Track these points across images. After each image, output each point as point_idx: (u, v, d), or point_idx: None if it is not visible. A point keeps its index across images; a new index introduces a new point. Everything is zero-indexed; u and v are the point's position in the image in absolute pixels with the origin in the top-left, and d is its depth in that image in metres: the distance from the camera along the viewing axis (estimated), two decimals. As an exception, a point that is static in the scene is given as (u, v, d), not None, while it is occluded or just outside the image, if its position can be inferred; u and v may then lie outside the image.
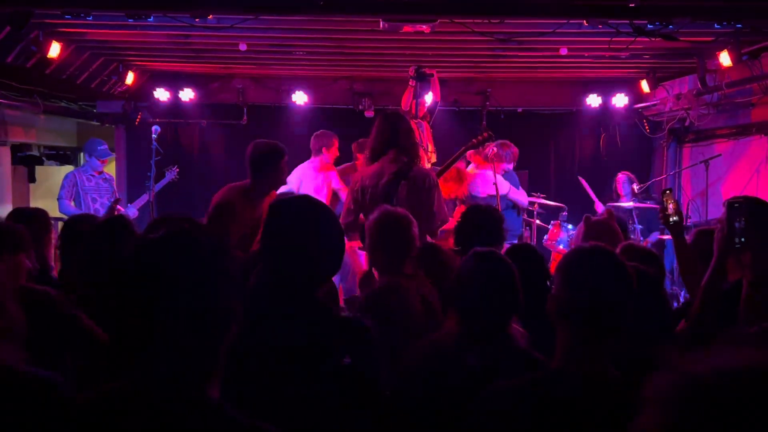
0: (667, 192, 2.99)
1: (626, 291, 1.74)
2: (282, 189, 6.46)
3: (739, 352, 0.68)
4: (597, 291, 1.71)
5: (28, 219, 3.07)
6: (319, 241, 1.89)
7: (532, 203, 7.08)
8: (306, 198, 2.02)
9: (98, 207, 6.58)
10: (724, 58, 5.86)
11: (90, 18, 4.91)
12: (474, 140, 5.42)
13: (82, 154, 9.83)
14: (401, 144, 4.25)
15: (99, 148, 6.67)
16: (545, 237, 7.01)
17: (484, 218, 3.42)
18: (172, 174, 7.20)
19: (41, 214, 3.25)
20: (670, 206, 2.91)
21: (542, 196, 7.18)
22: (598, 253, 1.80)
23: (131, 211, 6.73)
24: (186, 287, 1.29)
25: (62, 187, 6.61)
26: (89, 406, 1.34)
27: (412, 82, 5.97)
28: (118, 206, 6.52)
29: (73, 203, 6.56)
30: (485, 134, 5.39)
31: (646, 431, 0.68)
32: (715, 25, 4.94)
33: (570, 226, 6.81)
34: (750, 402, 0.63)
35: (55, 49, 5.85)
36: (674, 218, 2.89)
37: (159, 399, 1.29)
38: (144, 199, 6.82)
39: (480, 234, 3.28)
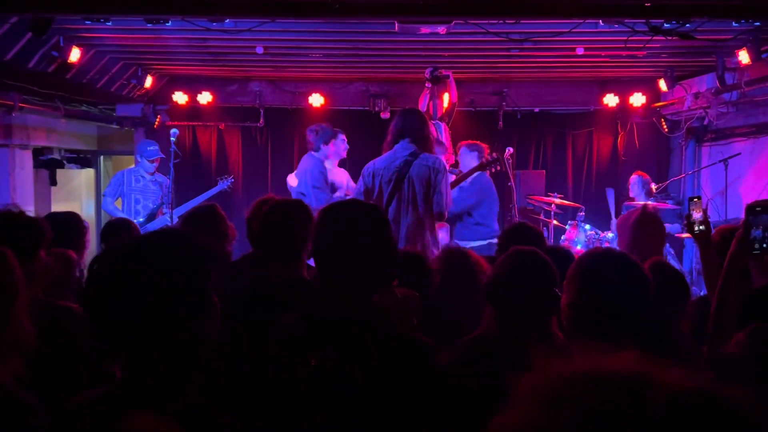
0: (695, 200, 2.82)
1: (645, 295, 1.70)
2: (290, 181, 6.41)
3: (605, 356, 0.67)
4: (617, 297, 1.66)
5: (62, 223, 3.06)
6: (371, 247, 1.80)
7: (549, 204, 7.05)
8: (356, 203, 1.97)
9: (140, 209, 6.52)
10: (743, 56, 5.80)
11: (109, 23, 4.99)
12: (483, 160, 5.71)
13: (102, 158, 9.96)
14: (413, 135, 4.47)
15: (148, 149, 6.59)
16: (563, 237, 6.98)
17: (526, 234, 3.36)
18: (224, 184, 7.00)
19: (75, 218, 3.21)
20: (696, 214, 2.73)
21: (559, 196, 7.16)
22: (614, 258, 1.75)
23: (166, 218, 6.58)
24: (144, 297, 1.29)
25: (109, 185, 6.69)
26: (74, 412, 1.36)
27: (428, 85, 6.00)
28: (162, 210, 6.53)
29: (117, 202, 6.56)
30: (494, 155, 5.76)
31: (506, 428, 0.67)
32: (733, 23, 4.90)
33: (588, 227, 6.78)
34: (598, 407, 0.62)
35: (75, 54, 5.93)
36: (700, 227, 2.71)
37: (140, 404, 1.31)
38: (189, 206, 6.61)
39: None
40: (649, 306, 1.70)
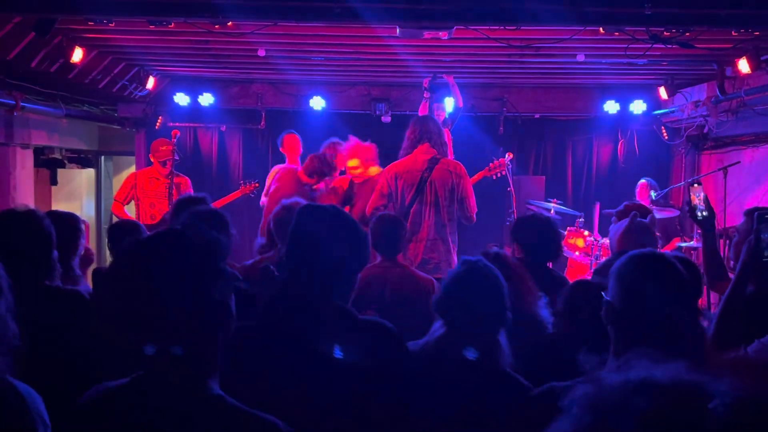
0: (695, 185, 2.78)
1: (681, 297, 1.75)
2: None
3: (657, 365, 0.68)
4: (654, 297, 1.71)
5: (56, 222, 3.06)
6: (337, 246, 1.91)
7: (548, 209, 7.06)
8: (328, 207, 2.05)
9: (155, 213, 6.30)
10: (743, 65, 5.82)
11: (112, 24, 5.01)
12: (491, 164, 5.84)
13: (103, 158, 9.98)
14: (433, 140, 4.67)
15: (161, 148, 6.41)
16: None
17: (542, 228, 3.42)
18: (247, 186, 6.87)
19: (71, 219, 3.22)
20: (697, 199, 2.70)
21: (558, 202, 7.17)
22: (655, 259, 1.80)
23: None
24: (176, 286, 1.33)
25: (120, 188, 6.48)
26: (96, 402, 1.39)
27: (426, 95, 6.04)
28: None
29: (131, 207, 6.40)
30: (501, 160, 5.88)
31: None
32: (733, 32, 4.92)
33: (585, 233, 6.79)
34: (654, 416, 0.63)
35: (77, 55, 5.95)
36: (704, 213, 2.70)
37: (162, 394, 1.34)
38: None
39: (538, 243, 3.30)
40: (684, 305, 1.76)
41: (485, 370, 2.00)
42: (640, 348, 1.68)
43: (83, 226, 3.15)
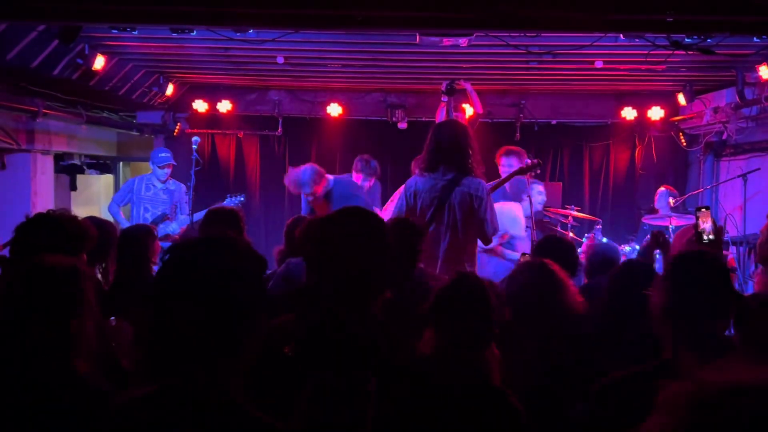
0: (703, 210, 2.87)
1: (727, 296, 1.89)
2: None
3: (754, 369, 0.70)
4: (701, 296, 1.84)
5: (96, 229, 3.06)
6: (369, 254, 1.86)
7: (566, 216, 7.02)
8: (356, 209, 1.97)
9: (148, 217, 6.56)
10: (764, 71, 5.80)
11: (135, 32, 5.06)
12: (523, 166, 5.52)
13: (121, 164, 10.06)
14: (456, 158, 4.29)
15: (159, 155, 6.67)
16: (579, 250, 6.96)
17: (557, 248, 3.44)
18: (233, 201, 6.66)
19: (109, 227, 3.19)
20: (705, 224, 2.80)
21: (576, 209, 7.14)
22: (705, 260, 1.94)
23: (172, 227, 6.56)
24: (212, 292, 1.32)
25: (119, 190, 6.82)
26: (122, 410, 1.38)
27: (444, 98, 5.99)
28: (169, 216, 6.55)
29: (126, 209, 6.67)
30: (536, 161, 5.57)
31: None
32: (755, 39, 4.90)
33: (605, 240, 6.75)
34: (755, 418, 0.66)
35: (99, 62, 6.01)
36: (709, 237, 2.78)
37: (186, 403, 1.32)
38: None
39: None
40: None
41: None
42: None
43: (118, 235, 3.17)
